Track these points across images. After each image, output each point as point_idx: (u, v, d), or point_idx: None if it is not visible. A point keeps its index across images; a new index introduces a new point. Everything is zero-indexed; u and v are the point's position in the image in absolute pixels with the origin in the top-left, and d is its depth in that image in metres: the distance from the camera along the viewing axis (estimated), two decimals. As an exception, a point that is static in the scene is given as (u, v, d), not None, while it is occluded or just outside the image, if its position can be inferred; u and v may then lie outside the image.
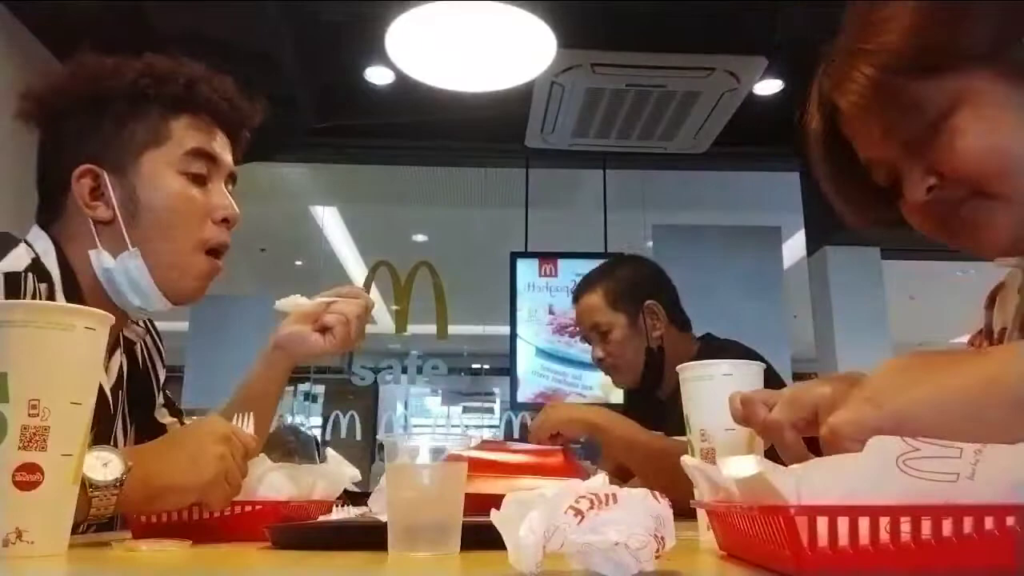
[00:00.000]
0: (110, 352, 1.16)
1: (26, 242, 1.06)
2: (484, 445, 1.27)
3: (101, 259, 1.08)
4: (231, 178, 1.18)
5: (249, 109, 1.19)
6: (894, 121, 0.78)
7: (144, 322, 1.27)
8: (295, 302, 1.25)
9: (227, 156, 1.16)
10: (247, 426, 0.97)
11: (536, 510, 0.54)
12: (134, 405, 1.21)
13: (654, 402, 1.88)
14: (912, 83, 0.76)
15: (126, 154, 1.09)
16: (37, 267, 1.02)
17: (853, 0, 0.82)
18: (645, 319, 1.89)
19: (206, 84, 1.13)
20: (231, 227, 1.15)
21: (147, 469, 0.85)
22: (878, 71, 0.77)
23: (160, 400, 1.29)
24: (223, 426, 0.93)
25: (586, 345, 2.00)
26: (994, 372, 0.60)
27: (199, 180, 1.12)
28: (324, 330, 1.26)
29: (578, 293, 2.00)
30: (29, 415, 0.66)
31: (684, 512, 0.73)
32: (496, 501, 0.59)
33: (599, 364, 1.97)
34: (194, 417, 1.31)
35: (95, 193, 1.08)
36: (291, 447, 4.04)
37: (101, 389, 1.05)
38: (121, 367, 1.18)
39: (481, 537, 0.66)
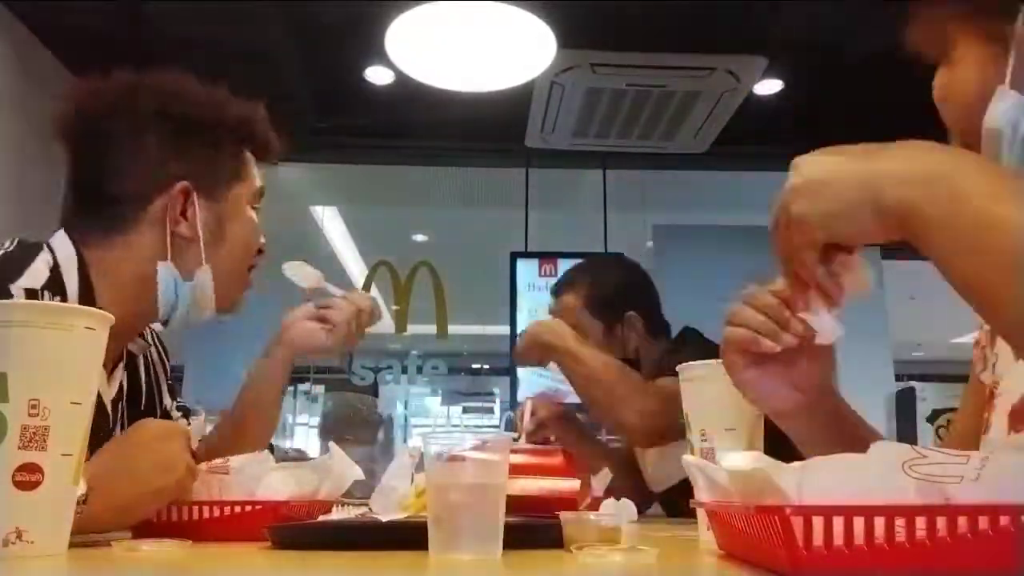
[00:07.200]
0: (113, 365, 1.16)
1: (49, 247, 1.06)
2: (483, 445, 1.26)
3: (172, 271, 1.12)
4: None
5: (278, 143, 1.27)
6: None
7: (151, 335, 1.28)
8: (303, 271, 1.34)
9: None
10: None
11: None
12: (134, 418, 1.21)
13: None
14: None
15: (218, 183, 1.16)
16: (54, 282, 1.03)
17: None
18: (623, 330, 1.81)
19: (264, 124, 1.23)
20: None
21: (112, 486, 0.84)
22: None
23: (168, 403, 1.31)
24: (166, 424, 0.98)
25: None
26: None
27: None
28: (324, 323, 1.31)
29: (558, 289, 1.91)
30: (29, 415, 0.66)
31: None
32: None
33: None
34: (195, 417, 1.31)
35: (183, 210, 1.13)
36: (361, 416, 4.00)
37: (101, 401, 1.06)
38: (122, 381, 1.19)
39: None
